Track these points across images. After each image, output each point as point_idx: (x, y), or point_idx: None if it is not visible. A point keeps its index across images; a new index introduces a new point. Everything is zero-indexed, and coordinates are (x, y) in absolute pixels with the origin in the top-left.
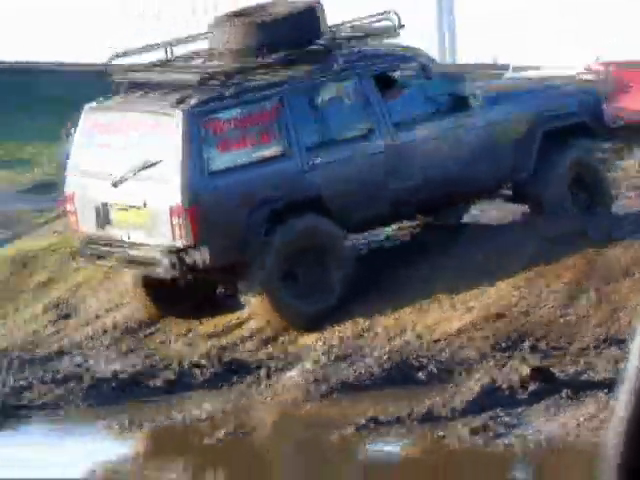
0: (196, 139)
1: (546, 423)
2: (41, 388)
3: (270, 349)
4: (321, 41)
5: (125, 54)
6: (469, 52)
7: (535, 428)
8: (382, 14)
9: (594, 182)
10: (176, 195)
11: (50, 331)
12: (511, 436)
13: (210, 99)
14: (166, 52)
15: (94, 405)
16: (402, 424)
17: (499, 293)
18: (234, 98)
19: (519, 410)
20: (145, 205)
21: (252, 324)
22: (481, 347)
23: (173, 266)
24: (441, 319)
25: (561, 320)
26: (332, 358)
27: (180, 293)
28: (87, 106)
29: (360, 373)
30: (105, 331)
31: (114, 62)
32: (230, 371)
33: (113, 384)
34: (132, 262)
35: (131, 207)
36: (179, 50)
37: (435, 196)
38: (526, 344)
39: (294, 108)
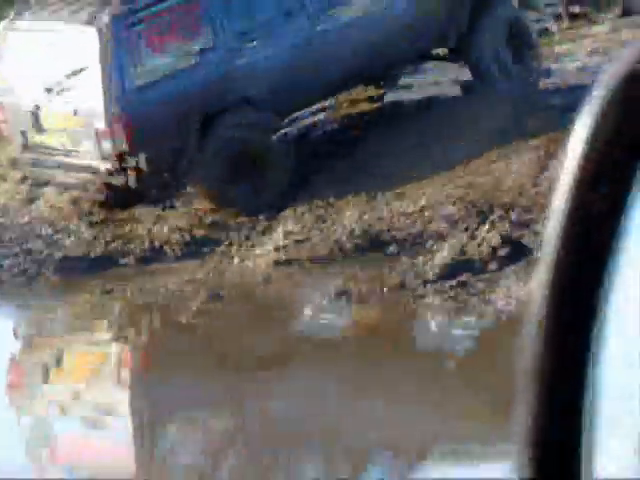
0: (119, 48)
1: (516, 289)
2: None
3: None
4: None
5: None
6: None
7: (505, 293)
8: None
9: (524, 39)
10: (107, 105)
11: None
12: (480, 300)
13: (128, 6)
14: None
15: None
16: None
17: (469, 165)
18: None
19: (488, 276)
20: (76, 113)
21: None
22: (452, 218)
23: (111, 173)
24: (411, 192)
25: (532, 190)
26: (303, 231)
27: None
28: (5, 22)
29: (331, 247)
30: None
31: None
32: (201, 245)
33: (92, 254)
34: (72, 168)
35: (62, 115)
36: None
37: (370, 66)
38: (496, 214)
39: (214, 1)
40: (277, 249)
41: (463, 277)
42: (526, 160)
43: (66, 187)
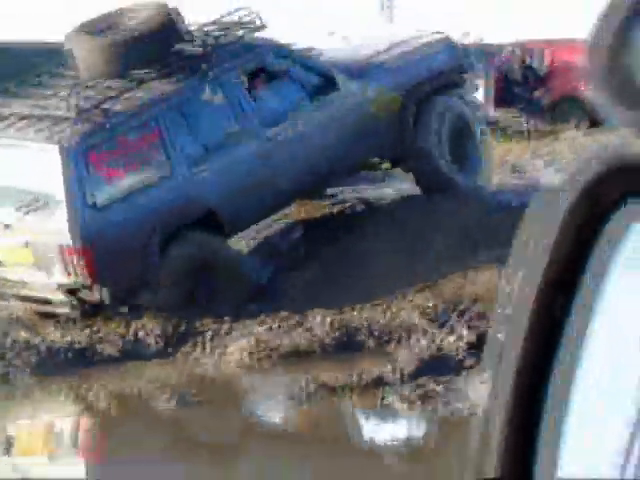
0: (79, 174)
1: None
2: None
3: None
4: (184, 46)
5: None
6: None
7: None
8: (239, 10)
9: (468, 133)
10: (65, 235)
11: None
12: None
13: (88, 131)
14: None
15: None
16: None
17: (428, 267)
18: (111, 128)
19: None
20: (33, 244)
21: None
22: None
23: (74, 306)
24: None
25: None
26: (280, 326)
27: None
28: None
29: (308, 340)
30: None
31: None
32: (179, 338)
33: (68, 353)
34: (29, 300)
35: (18, 246)
36: None
37: (316, 178)
38: (457, 313)
39: (168, 125)
40: (243, 351)
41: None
42: (493, 258)
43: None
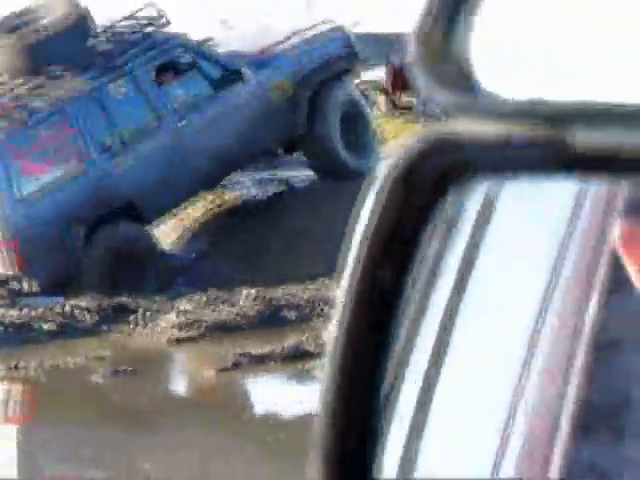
0: (6, 170)
1: None
2: None
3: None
4: (96, 43)
5: None
6: None
7: None
8: (146, 6)
9: (360, 118)
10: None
11: None
12: None
13: (7, 127)
14: None
15: None
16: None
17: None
18: (27, 123)
19: None
20: None
21: None
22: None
23: (3, 297)
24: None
25: None
26: (207, 303)
27: None
28: None
29: (233, 315)
30: None
31: None
32: (113, 316)
33: (8, 328)
34: None
35: None
36: None
37: (225, 167)
38: None
39: (82, 119)
40: (173, 326)
41: None
42: None
43: None
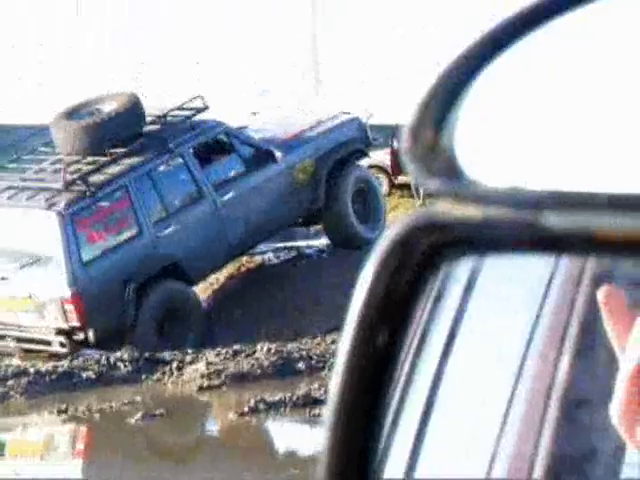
0: (72, 236)
1: None
2: None
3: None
4: (148, 128)
5: None
6: None
7: None
8: (192, 99)
9: (370, 194)
10: (62, 287)
11: None
12: None
13: (75, 200)
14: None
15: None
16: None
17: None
18: (92, 195)
19: None
20: (30, 296)
21: None
22: None
23: (63, 345)
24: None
25: None
26: (229, 353)
27: None
28: None
29: (252, 365)
30: None
31: None
32: (146, 365)
33: (53, 376)
34: (26, 341)
35: (17, 298)
36: None
37: (257, 236)
38: None
39: (137, 193)
40: (200, 376)
41: None
42: None
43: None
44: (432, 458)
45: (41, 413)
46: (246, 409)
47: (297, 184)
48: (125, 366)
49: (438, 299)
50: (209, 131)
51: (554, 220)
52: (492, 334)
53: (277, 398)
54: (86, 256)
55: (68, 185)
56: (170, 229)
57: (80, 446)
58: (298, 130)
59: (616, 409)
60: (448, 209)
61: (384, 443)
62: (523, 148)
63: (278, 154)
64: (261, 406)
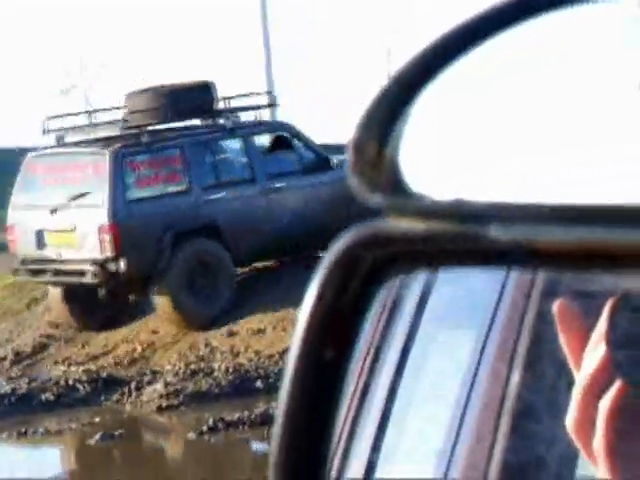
0: (119, 174)
1: None
2: None
3: (138, 367)
4: (217, 109)
5: (60, 116)
6: None
7: None
8: (261, 93)
9: None
10: (102, 217)
11: None
12: None
13: (130, 144)
14: (90, 116)
15: None
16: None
17: None
18: (148, 145)
19: None
20: (75, 228)
21: (120, 350)
22: None
23: (96, 275)
24: (275, 340)
25: None
26: (188, 373)
27: (95, 307)
28: (29, 155)
29: (210, 384)
30: (3, 358)
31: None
32: (105, 386)
33: (12, 399)
34: (63, 274)
35: (63, 231)
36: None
37: (296, 236)
38: None
39: (193, 156)
40: (161, 396)
41: None
42: None
43: (60, 285)
44: (388, 470)
45: (0, 436)
46: (205, 428)
47: (348, 197)
48: (84, 387)
49: (392, 312)
50: (273, 125)
51: (498, 233)
52: (445, 347)
53: (236, 417)
54: (131, 196)
55: (126, 131)
56: (217, 196)
57: (41, 467)
58: None
59: (571, 421)
60: (392, 223)
61: (341, 453)
62: (466, 161)
63: (336, 163)
64: (220, 425)
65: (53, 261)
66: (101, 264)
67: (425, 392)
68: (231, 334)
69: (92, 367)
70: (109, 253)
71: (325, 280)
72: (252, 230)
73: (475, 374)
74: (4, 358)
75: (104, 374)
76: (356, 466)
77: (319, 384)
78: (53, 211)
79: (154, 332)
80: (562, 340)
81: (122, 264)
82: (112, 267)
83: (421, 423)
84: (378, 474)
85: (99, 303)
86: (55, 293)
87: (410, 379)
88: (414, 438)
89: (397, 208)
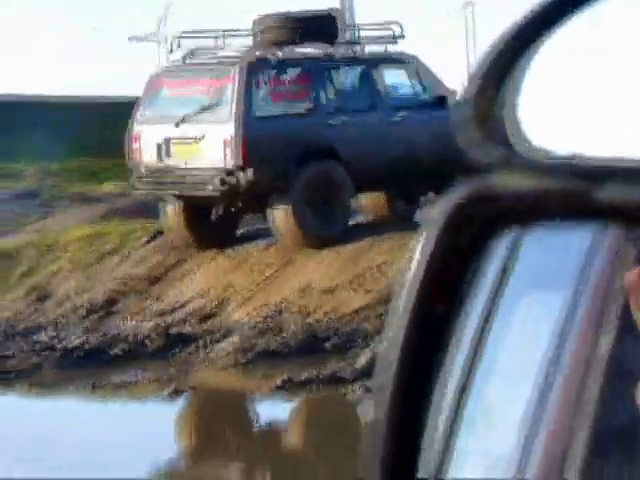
0: (248, 88)
1: None
2: (21, 356)
3: (208, 324)
4: (342, 38)
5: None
6: None
7: None
8: (389, 23)
9: None
10: (231, 128)
11: (30, 310)
12: None
13: (261, 60)
14: (223, 38)
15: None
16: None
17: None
18: (278, 63)
19: None
20: (201, 139)
21: (192, 305)
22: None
23: (222, 182)
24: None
25: None
26: (258, 331)
27: (210, 227)
28: (155, 70)
29: (280, 343)
30: (75, 310)
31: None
32: (175, 343)
33: (83, 352)
34: (185, 185)
35: (189, 141)
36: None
37: (412, 167)
38: None
39: (319, 80)
40: (230, 353)
41: None
42: None
43: (181, 196)
44: (468, 440)
45: (70, 388)
46: (274, 387)
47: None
48: (154, 342)
49: (477, 271)
50: (399, 56)
51: (608, 191)
52: (531, 310)
53: (305, 376)
54: (258, 111)
55: (256, 49)
56: (339, 120)
57: (110, 421)
58: None
59: None
60: (502, 180)
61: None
62: (578, 119)
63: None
64: (289, 384)
65: (176, 171)
66: (225, 175)
67: (509, 358)
68: (304, 292)
69: (163, 322)
70: (235, 163)
71: (435, 237)
72: (367, 158)
73: (564, 335)
74: (75, 311)
75: (175, 330)
76: (435, 434)
77: (428, 339)
78: (179, 122)
79: (227, 288)
80: (634, 311)
81: (249, 173)
82: (234, 180)
83: (505, 389)
84: (458, 443)
85: (210, 226)
86: (174, 211)
87: (493, 344)
88: (496, 405)
89: (509, 163)
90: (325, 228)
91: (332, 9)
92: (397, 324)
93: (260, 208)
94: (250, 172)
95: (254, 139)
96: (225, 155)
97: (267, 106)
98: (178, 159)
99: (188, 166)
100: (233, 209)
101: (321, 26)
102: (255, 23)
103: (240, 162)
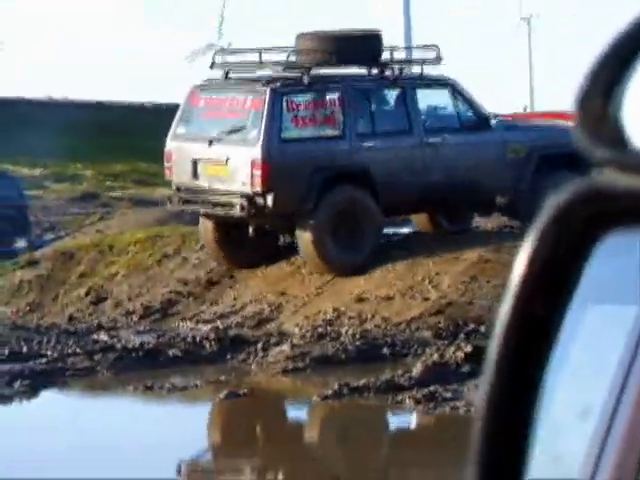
0: (277, 111)
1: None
2: (80, 357)
3: (264, 329)
4: (381, 59)
5: (228, 50)
6: None
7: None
8: (428, 46)
9: None
10: (255, 152)
11: (89, 310)
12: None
13: (290, 83)
14: (260, 56)
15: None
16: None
17: (449, 287)
18: (309, 86)
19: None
20: (227, 161)
21: (248, 310)
22: (433, 330)
23: (243, 208)
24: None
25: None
26: (314, 336)
27: (244, 245)
28: (192, 87)
29: (337, 349)
30: (132, 311)
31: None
32: (231, 346)
33: (140, 353)
34: (212, 205)
35: (217, 163)
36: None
37: (450, 191)
38: (468, 329)
39: (351, 103)
40: (287, 358)
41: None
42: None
43: (212, 215)
44: (554, 442)
45: (126, 389)
46: (329, 392)
47: (505, 160)
48: (211, 345)
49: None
50: (437, 79)
51: None
52: (601, 323)
53: (361, 383)
54: (285, 134)
55: (289, 70)
56: (371, 144)
57: (165, 423)
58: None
59: None
60: (614, 179)
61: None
62: None
63: (495, 123)
64: (344, 390)
65: (205, 191)
66: (250, 198)
67: (584, 369)
68: (360, 300)
69: (220, 325)
70: (258, 188)
71: (541, 235)
72: (402, 182)
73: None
74: (133, 312)
75: (231, 333)
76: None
77: (529, 339)
78: (210, 142)
79: (282, 294)
80: None
81: (269, 199)
82: (260, 202)
83: (582, 397)
84: (541, 446)
85: (248, 242)
86: (207, 228)
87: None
88: (569, 412)
89: (620, 162)
90: (348, 256)
91: (376, 30)
92: (498, 324)
93: (290, 230)
94: (270, 198)
95: (277, 164)
96: (249, 179)
97: (295, 129)
98: (207, 179)
99: (216, 187)
100: (267, 226)
101: (363, 46)
102: (297, 39)
103: (260, 188)
